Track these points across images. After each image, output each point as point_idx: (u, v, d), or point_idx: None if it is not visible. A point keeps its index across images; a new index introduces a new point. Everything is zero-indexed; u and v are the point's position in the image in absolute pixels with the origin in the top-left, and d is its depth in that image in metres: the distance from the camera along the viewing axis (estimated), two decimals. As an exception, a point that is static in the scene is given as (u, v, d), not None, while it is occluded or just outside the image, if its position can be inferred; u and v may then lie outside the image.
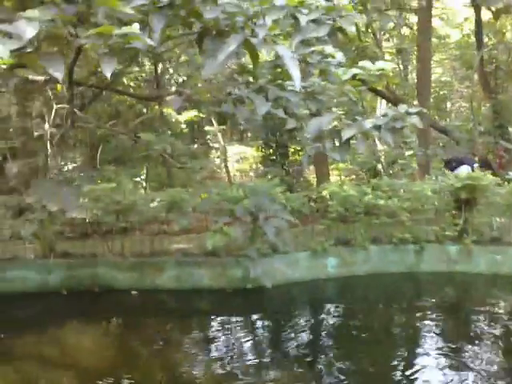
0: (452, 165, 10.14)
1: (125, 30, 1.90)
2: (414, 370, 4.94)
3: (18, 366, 5.11)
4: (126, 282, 7.29)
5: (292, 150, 12.68)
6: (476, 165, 9.40)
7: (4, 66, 1.90)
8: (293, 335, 5.91)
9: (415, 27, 12.74)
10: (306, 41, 3.08)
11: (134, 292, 7.14)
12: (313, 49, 2.99)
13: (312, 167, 11.53)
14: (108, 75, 1.86)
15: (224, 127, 12.97)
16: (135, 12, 2.05)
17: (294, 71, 2.17)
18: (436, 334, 5.85)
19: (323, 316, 6.66)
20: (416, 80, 12.17)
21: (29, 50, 1.77)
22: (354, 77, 3.36)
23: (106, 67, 1.85)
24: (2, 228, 7.39)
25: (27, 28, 1.67)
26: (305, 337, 5.90)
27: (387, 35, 14.87)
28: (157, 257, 7.57)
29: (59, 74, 1.80)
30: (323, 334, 6.05)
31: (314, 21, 2.68)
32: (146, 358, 5.39)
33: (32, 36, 1.68)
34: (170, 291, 7.23)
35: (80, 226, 7.70)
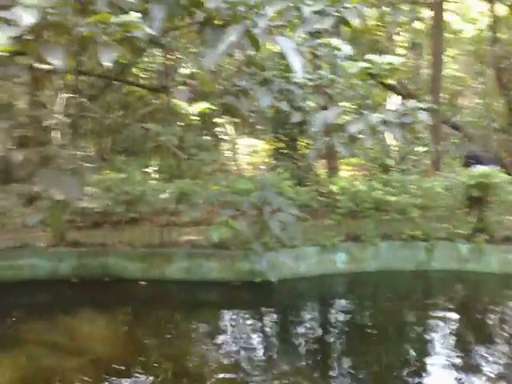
0: (470, 161, 9.88)
1: (123, 18, 1.90)
2: (422, 368, 4.93)
3: (28, 351, 5.19)
4: (136, 272, 7.35)
5: (302, 143, 12.61)
6: (497, 167, 8.98)
7: (3, 54, 1.89)
8: (300, 330, 5.91)
9: (428, 22, 12.54)
10: (316, 33, 3.04)
11: (142, 282, 7.19)
12: (319, 41, 2.96)
13: (323, 161, 11.45)
14: (106, 65, 1.86)
15: (236, 120, 12.94)
16: (136, 1, 2.05)
17: (295, 62, 2.14)
18: (445, 333, 5.80)
19: (331, 311, 6.64)
20: (429, 75, 12.00)
21: (28, 37, 1.77)
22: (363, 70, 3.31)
23: (104, 56, 1.85)
24: (14, 216, 7.49)
25: (25, 15, 1.68)
26: (312, 332, 5.90)
27: (400, 29, 14.65)
28: (166, 248, 7.62)
29: (58, 61, 1.80)
30: (331, 329, 6.03)
31: (318, 12, 2.64)
32: (154, 348, 5.45)
33: (30, 23, 1.68)
34: (179, 282, 7.28)
35: (90, 216, 7.76)
